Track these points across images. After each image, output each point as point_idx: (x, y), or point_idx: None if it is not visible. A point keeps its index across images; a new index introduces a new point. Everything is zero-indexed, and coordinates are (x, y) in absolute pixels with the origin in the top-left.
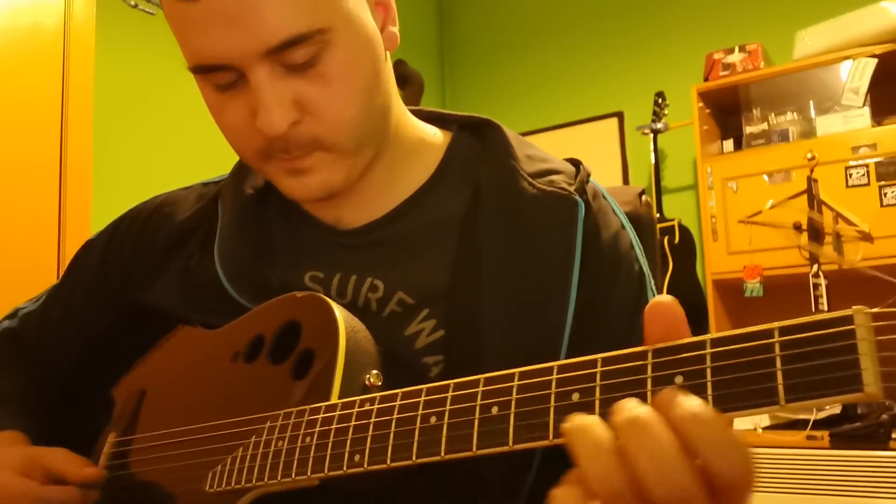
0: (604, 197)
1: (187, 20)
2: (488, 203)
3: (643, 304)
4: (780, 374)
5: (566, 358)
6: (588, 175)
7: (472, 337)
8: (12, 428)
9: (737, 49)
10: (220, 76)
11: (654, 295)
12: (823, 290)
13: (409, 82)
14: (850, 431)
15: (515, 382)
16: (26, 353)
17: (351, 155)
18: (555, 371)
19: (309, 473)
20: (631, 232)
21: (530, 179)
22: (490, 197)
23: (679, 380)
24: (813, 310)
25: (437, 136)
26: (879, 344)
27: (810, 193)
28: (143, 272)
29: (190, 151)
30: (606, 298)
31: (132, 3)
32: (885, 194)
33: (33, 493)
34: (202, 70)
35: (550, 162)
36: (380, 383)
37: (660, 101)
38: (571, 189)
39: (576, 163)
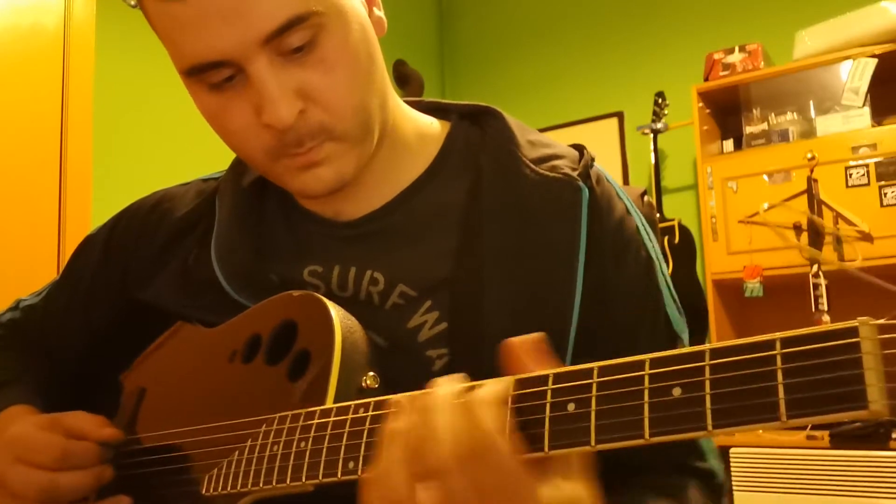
0: (608, 181)
1: (179, 21)
2: (490, 190)
3: (654, 288)
4: (781, 389)
5: (574, 346)
6: (592, 159)
7: (475, 328)
8: (26, 403)
9: (737, 49)
10: (215, 74)
11: (665, 280)
12: (823, 290)
13: (409, 82)
14: (850, 431)
15: (510, 392)
16: (30, 343)
17: (360, 142)
18: (550, 380)
19: (303, 479)
20: (637, 216)
21: (532, 165)
22: (491, 184)
23: (677, 392)
24: (813, 310)
25: (434, 127)
26: (886, 358)
27: (810, 193)
28: (142, 269)
29: (190, 151)
30: (614, 283)
31: (132, 3)
32: (885, 194)
33: (59, 445)
34: (197, 70)
35: (553, 147)
36: (376, 385)
37: (660, 101)
38: (574, 174)
39: (579, 148)
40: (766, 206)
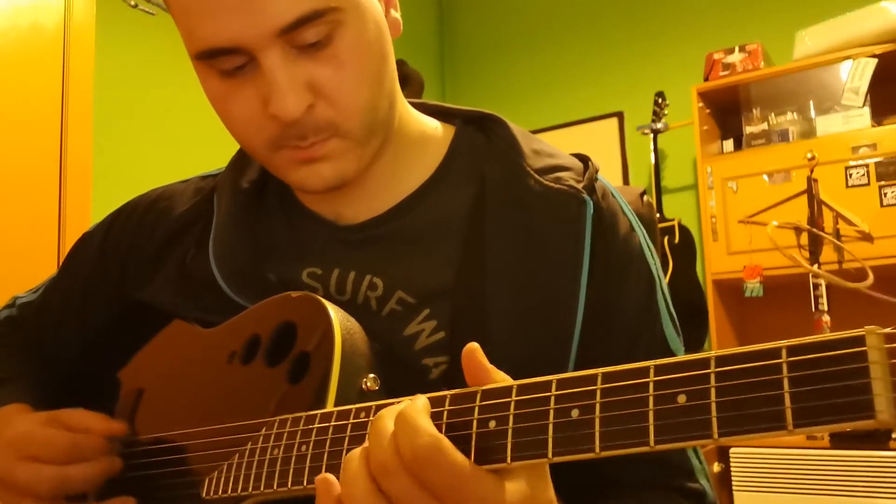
0: (613, 196)
1: (195, 4)
2: (494, 200)
3: (653, 307)
4: (787, 397)
5: (575, 361)
6: (596, 172)
7: (476, 338)
8: (21, 401)
9: (737, 49)
10: (227, 60)
11: (664, 299)
12: (823, 290)
13: (409, 82)
14: (851, 431)
15: (513, 398)
16: (27, 341)
17: (362, 143)
18: (553, 386)
19: (305, 483)
20: (641, 233)
21: (537, 176)
22: (496, 194)
23: (682, 399)
24: (813, 310)
25: (438, 130)
26: (893, 367)
27: (810, 193)
28: (140, 268)
29: (190, 151)
30: (616, 300)
31: (132, 3)
32: (885, 194)
33: (66, 438)
34: (210, 55)
35: (558, 157)
36: (377, 388)
37: (660, 101)
38: (580, 187)
39: (584, 159)
40: (774, 223)
